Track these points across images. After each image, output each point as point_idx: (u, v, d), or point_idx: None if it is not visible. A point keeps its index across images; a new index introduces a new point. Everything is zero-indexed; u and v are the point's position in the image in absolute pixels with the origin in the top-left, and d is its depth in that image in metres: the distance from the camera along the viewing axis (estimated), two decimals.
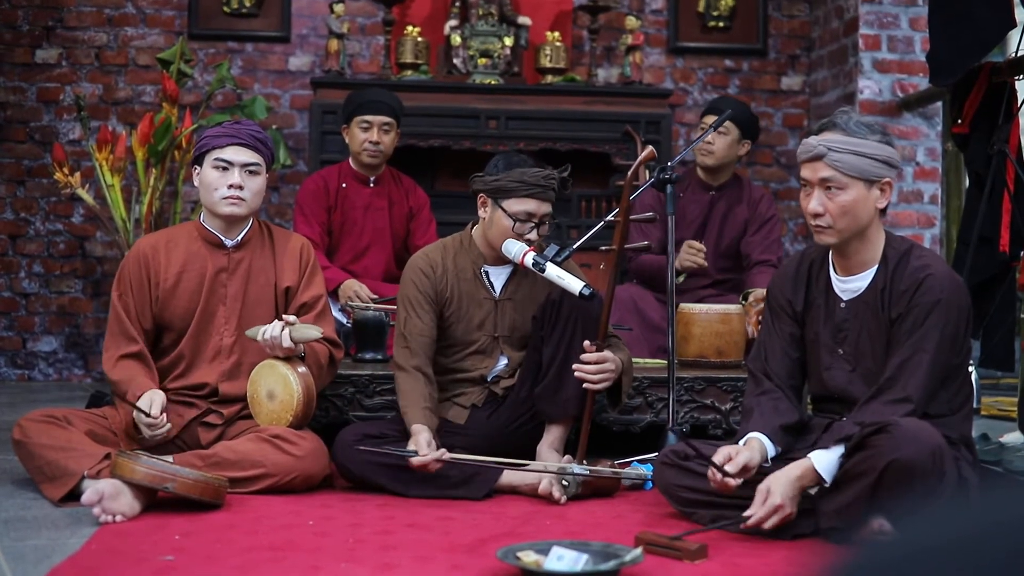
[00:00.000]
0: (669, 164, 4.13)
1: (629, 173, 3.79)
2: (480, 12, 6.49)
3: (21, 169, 6.82)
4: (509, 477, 3.66)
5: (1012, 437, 4.42)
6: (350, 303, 4.86)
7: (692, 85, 7.21)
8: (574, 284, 3.64)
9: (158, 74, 6.47)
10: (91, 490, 3.20)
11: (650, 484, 3.72)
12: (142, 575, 2.69)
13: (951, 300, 3.10)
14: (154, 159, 5.94)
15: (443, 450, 3.53)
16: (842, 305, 3.27)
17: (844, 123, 3.16)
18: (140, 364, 3.79)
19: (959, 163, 5.88)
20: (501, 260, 3.90)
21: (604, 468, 3.64)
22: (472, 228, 4.01)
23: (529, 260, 3.71)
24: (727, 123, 5.16)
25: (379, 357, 4.45)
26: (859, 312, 3.24)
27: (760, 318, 4.43)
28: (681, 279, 5.10)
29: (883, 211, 3.22)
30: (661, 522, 3.29)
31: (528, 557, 2.70)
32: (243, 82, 6.85)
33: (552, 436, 3.83)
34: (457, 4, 6.57)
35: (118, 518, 3.18)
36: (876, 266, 3.22)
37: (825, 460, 3.03)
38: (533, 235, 3.80)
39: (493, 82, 6.36)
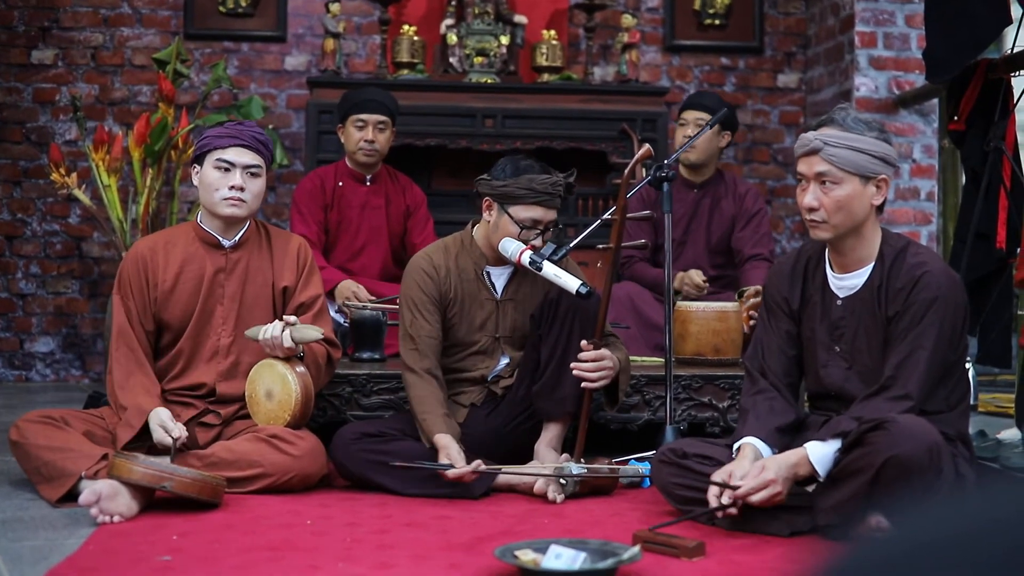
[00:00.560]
0: (665, 162, 4.13)
1: (626, 171, 3.79)
2: (476, 11, 6.49)
3: (17, 170, 6.82)
4: (507, 476, 3.66)
5: (1009, 434, 4.43)
6: (347, 303, 4.86)
7: (688, 83, 7.21)
8: (571, 282, 3.64)
9: (154, 74, 6.47)
10: (89, 490, 3.20)
11: (648, 482, 3.72)
12: (140, 575, 2.69)
13: (948, 297, 3.10)
14: (150, 159, 5.94)
15: (478, 461, 3.52)
16: (838, 302, 3.28)
17: (842, 119, 3.16)
18: (141, 375, 3.76)
19: (955, 160, 5.89)
20: (503, 260, 3.89)
21: (602, 466, 3.64)
22: (473, 228, 4.00)
23: (526, 259, 3.71)
24: (706, 114, 5.15)
25: (376, 357, 4.45)
26: (855, 309, 3.24)
27: (751, 314, 4.44)
28: (679, 298, 5.09)
29: (880, 209, 3.22)
30: (659, 520, 3.29)
31: (526, 556, 2.70)
32: (239, 82, 6.85)
33: (550, 434, 3.83)
34: (453, 3, 6.56)
35: (116, 518, 3.18)
36: (872, 263, 3.22)
37: (820, 452, 3.03)
38: (538, 241, 3.80)
39: (489, 81, 6.36)
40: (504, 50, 6.46)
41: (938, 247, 6.32)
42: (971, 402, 3.53)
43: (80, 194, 5.91)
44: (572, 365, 3.68)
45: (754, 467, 3.05)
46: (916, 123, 6.49)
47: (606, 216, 4.00)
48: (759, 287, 4.35)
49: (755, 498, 3.01)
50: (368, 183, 5.36)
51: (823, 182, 3.15)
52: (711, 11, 7.18)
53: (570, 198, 6.33)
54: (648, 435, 4.25)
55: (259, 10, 6.92)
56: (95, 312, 6.79)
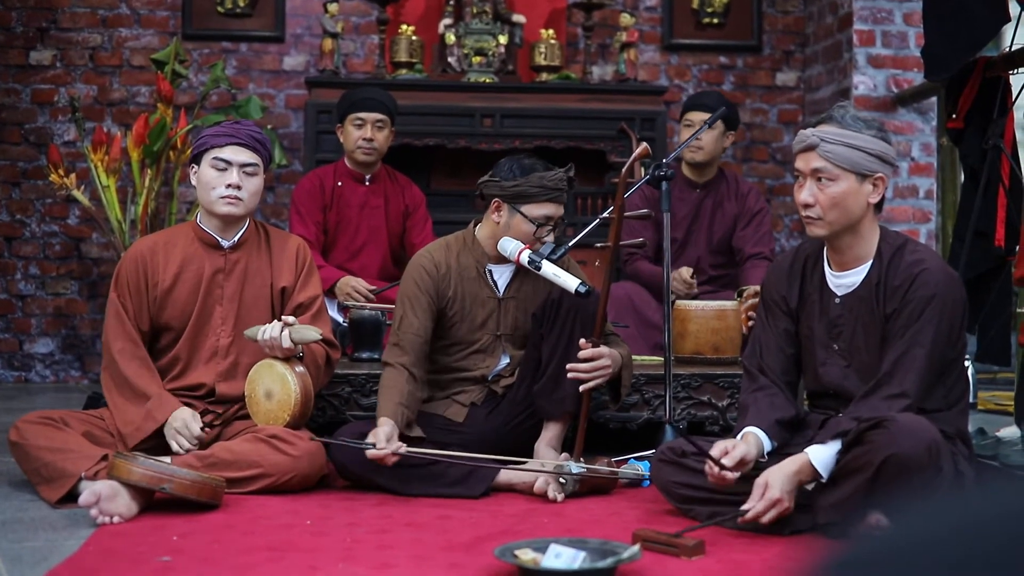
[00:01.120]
0: (664, 161, 4.13)
1: (624, 170, 3.79)
2: (474, 10, 6.49)
3: (16, 171, 6.82)
4: (506, 475, 3.67)
5: (1009, 431, 4.43)
6: (348, 301, 4.86)
7: (687, 82, 7.21)
8: (570, 282, 3.64)
9: (152, 75, 6.47)
10: (88, 491, 3.20)
11: (647, 481, 3.72)
12: None
13: (946, 295, 3.10)
14: (149, 160, 5.94)
15: (402, 444, 3.52)
16: (836, 300, 3.28)
17: (840, 116, 3.17)
18: (147, 368, 3.78)
19: (954, 158, 5.89)
20: (505, 259, 3.89)
21: (601, 466, 3.65)
22: (475, 227, 4.00)
23: (525, 258, 3.71)
24: (698, 110, 5.15)
25: (376, 356, 4.45)
26: (854, 307, 3.24)
27: (750, 314, 4.44)
28: (674, 297, 5.09)
29: (879, 207, 3.22)
30: (659, 519, 3.29)
31: (526, 555, 2.70)
32: (238, 82, 6.85)
33: (550, 434, 3.83)
34: (451, 2, 6.57)
35: (115, 519, 3.18)
36: (870, 261, 3.22)
37: (822, 455, 3.03)
38: (550, 237, 3.81)
39: (488, 80, 6.36)
40: (502, 49, 6.46)
41: (937, 245, 6.32)
42: (970, 400, 3.53)
43: (79, 195, 5.91)
44: (568, 367, 3.68)
45: (756, 487, 3.04)
46: (914, 121, 6.49)
47: (605, 215, 4.00)
48: (758, 287, 4.35)
49: (765, 519, 3.01)
50: (367, 183, 5.36)
51: (819, 178, 3.15)
52: (709, 10, 7.18)
53: (568, 196, 6.34)
54: (648, 434, 4.25)
55: (257, 10, 6.92)
56: (94, 313, 6.79)
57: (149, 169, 5.95)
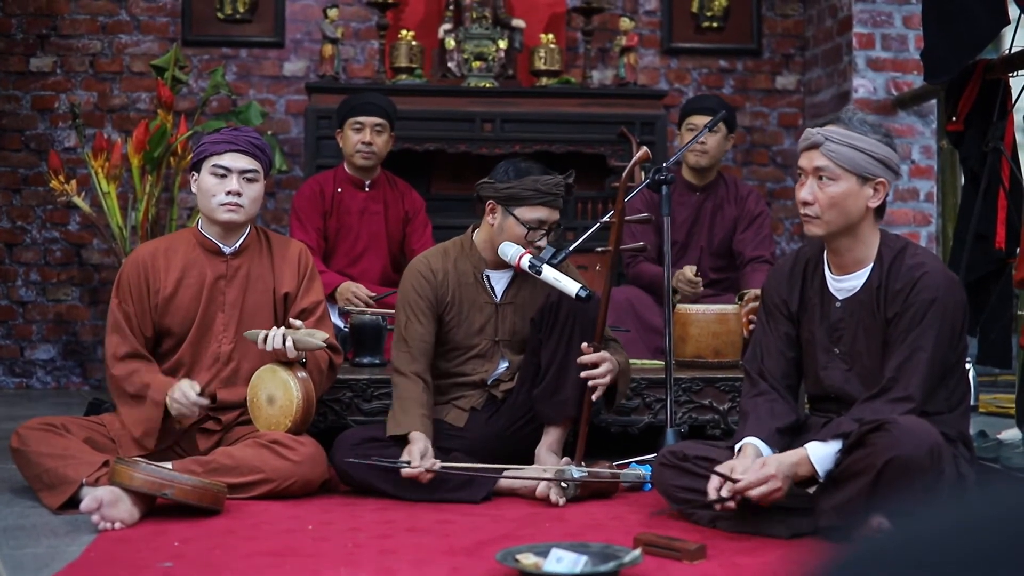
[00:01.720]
0: (664, 165, 4.13)
1: (624, 174, 3.79)
2: (474, 15, 6.49)
3: (17, 177, 6.82)
4: (508, 480, 3.67)
5: (1010, 434, 4.43)
6: (348, 305, 4.86)
7: (687, 86, 7.21)
8: (570, 286, 3.64)
9: (153, 81, 6.46)
10: (90, 497, 3.20)
11: (649, 485, 3.72)
12: None
13: (947, 298, 3.11)
14: (150, 166, 5.94)
15: (436, 460, 3.52)
16: (837, 304, 3.28)
17: (847, 118, 3.18)
18: (147, 364, 3.78)
19: (954, 161, 5.89)
20: (503, 264, 3.89)
21: (603, 470, 3.65)
22: (473, 232, 4.00)
23: (525, 262, 3.71)
24: (703, 113, 5.15)
25: (377, 361, 4.46)
26: (854, 311, 3.24)
27: (751, 318, 4.44)
28: (677, 298, 5.08)
29: (880, 213, 3.22)
30: (660, 523, 3.29)
31: (527, 559, 2.70)
32: (238, 88, 6.85)
33: (551, 438, 3.83)
34: (451, 7, 6.57)
35: (117, 525, 3.18)
36: (871, 265, 3.22)
37: (821, 452, 3.03)
38: (543, 242, 3.81)
39: (488, 85, 6.37)
40: (502, 54, 6.47)
41: (937, 248, 6.32)
42: (972, 403, 3.53)
43: (79, 201, 5.91)
44: (584, 374, 3.67)
45: (755, 463, 3.06)
46: (915, 124, 6.49)
47: (605, 219, 4.00)
48: (758, 291, 4.35)
49: (755, 492, 3.00)
50: (367, 189, 5.36)
51: (820, 177, 3.16)
52: (709, 13, 7.18)
53: (569, 201, 6.34)
54: (649, 438, 4.25)
55: (257, 16, 6.92)
56: (95, 319, 6.79)
57: (149, 175, 5.95)
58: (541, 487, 3.58)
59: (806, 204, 3.18)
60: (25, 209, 6.83)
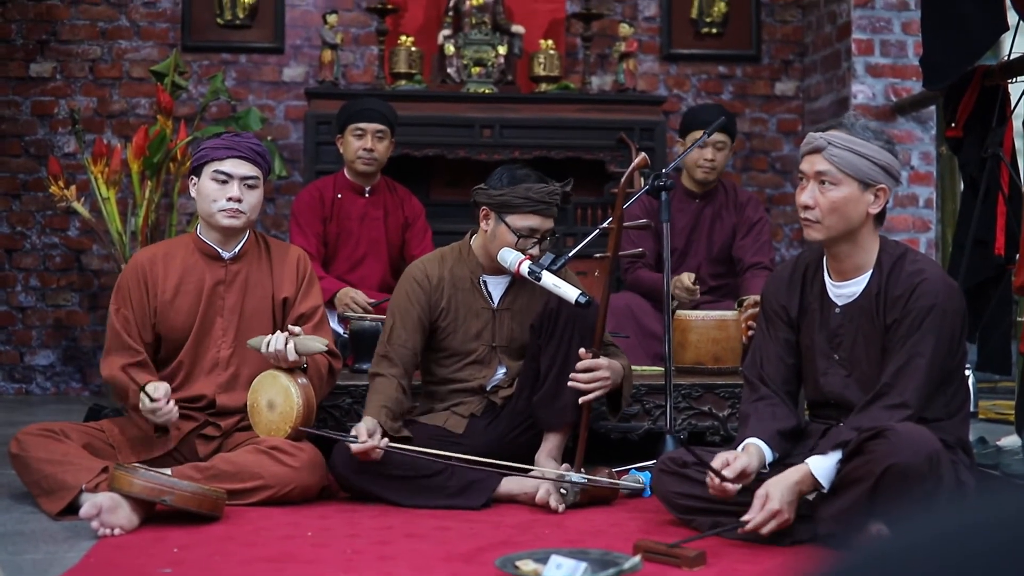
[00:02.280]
0: (663, 171, 4.13)
1: (622, 180, 3.79)
2: (473, 21, 6.50)
3: (16, 183, 6.83)
4: (507, 486, 3.66)
5: (1009, 440, 4.43)
6: (347, 312, 4.86)
7: (686, 92, 7.22)
8: (570, 292, 3.64)
9: (152, 87, 6.47)
10: (89, 503, 3.20)
11: (648, 492, 3.71)
12: None
13: (946, 305, 3.10)
14: (149, 171, 5.94)
15: (385, 439, 3.54)
16: (837, 310, 3.28)
17: (850, 124, 3.19)
18: (141, 369, 3.78)
19: (953, 167, 5.89)
20: (500, 270, 3.90)
21: (602, 476, 3.64)
22: (471, 238, 4.01)
23: (525, 269, 3.71)
24: (723, 134, 5.13)
25: None
26: (854, 317, 3.24)
27: (750, 323, 4.44)
28: (675, 305, 5.08)
29: (880, 219, 3.22)
30: (660, 529, 3.29)
31: (527, 566, 2.70)
32: (237, 93, 6.85)
33: (550, 444, 3.83)
34: (450, 13, 6.58)
35: (116, 531, 3.17)
36: (870, 271, 3.22)
37: (823, 466, 3.03)
38: (535, 250, 3.81)
39: (487, 91, 6.37)
40: (502, 60, 6.47)
41: (937, 254, 6.32)
42: (971, 409, 3.53)
43: (79, 207, 5.91)
44: (571, 377, 3.68)
45: (756, 499, 3.04)
46: (914, 130, 6.50)
47: (604, 225, 4.00)
48: (758, 297, 4.35)
49: (764, 530, 3.00)
50: (367, 195, 5.36)
51: (822, 181, 3.16)
52: (708, 20, 7.19)
53: (567, 209, 6.34)
54: (648, 444, 4.25)
55: (257, 22, 6.93)
56: (95, 325, 6.79)
57: (149, 181, 5.96)
58: (541, 493, 3.58)
59: (807, 208, 3.18)
60: (25, 214, 6.83)
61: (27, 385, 6.82)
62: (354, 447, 3.49)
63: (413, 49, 6.42)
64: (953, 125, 4.72)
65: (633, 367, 4.16)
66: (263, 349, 3.67)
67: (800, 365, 3.40)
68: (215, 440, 3.81)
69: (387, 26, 6.54)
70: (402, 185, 5.55)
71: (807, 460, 3.06)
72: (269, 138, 6.55)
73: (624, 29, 6.64)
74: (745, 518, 3.03)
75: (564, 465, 3.74)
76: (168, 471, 3.48)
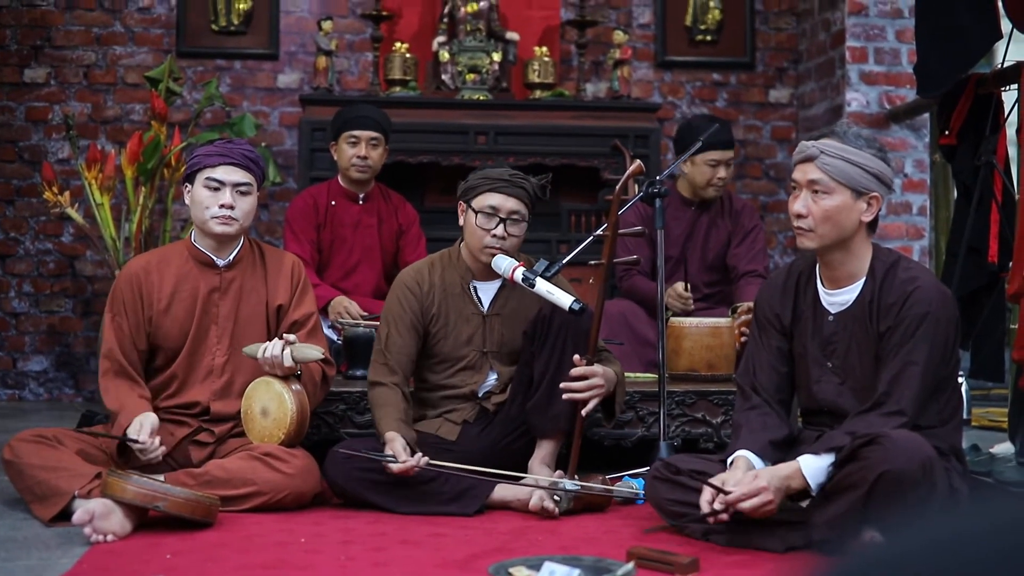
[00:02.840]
0: (657, 178, 4.14)
1: (617, 187, 3.79)
2: (468, 28, 6.50)
3: (10, 189, 6.82)
4: (501, 492, 3.66)
5: (1002, 447, 4.44)
6: (340, 320, 4.86)
7: (680, 99, 7.22)
8: (564, 299, 3.64)
9: (146, 92, 6.47)
10: (82, 510, 3.19)
11: (642, 499, 3.71)
12: None
13: (939, 312, 3.11)
14: (143, 177, 5.94)
15: (422, 456, 3.53)
16: (830, 318, 3.28)
17: (842, 132, 3.19)
18: (131, 384, 3.77)
19: (947, 174, 5.91)
20: (489, 275, 3.90)
21: (596, 483, 3.64)
22: (460, 244, 4.02)
23: (519, 275, 3.71)
24: (730, 149, 5.15)
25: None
26: (847, 325, 3.24)
27: (743, 330, 4.44)
28: (669, 314, 5.08)
29: (873, 227, 3.23)
30: (653, 536, 3.29)
31: (520, 572, 2.70)
32: (232, 100, 6.85)
33: (543, 451, 3.83)
34: (445, 20, 6.58)
35: (109, 537, 3.17)
36: (863, 279, 3.22)
37: (813, 465, 3.03)
38: (499, 230, 3.81)
39: (482, 98, 6.37)
40: (496, 67, 6.47)
41: (930, 261, 6.33)
42: (964, 416, 3.53)
43: (73, 213, 5.90)
44: (562, 386, 3.67)
45: (747, 475, 3.06)
46: (907, 138, 6.50)
47: (598, 232, 4.00)
48: (751, 304, 4.35)
49: (746, 504, 3.00)
50: (361, 202, 5.36)
51: (815, 190, 3.16)
52: (702, 27, 7.20)
53: (561, 214, 6.35)
54: (642, 451, 4.25)
55: (251, 28, 6.93)
56: (88, 331, 6.78)
57: (143, 187, 5.95)
58: (534, 500, 3.58)
59: (800, 217, 3.19)
60: (18, 220, 6.83)
61: (20, 391, 6.82)
62: (394, 467, 3.49)
63: (408, 56, 6.43)
64: (947, 133, 4.73)
65: (627, 374, 4.16)
66: (259, 355, 3.67)
67: (793, 373, 3.41)
68: (209, 446, 3.81)
69: (382, 33, 6.55)
70: (396, 192, 5.55)
71: (799, 458, 3.07)
72: (263, 144, 6.55)
73: (618, 36, 6.65)
74: (729, 488, 3.04)
75: (558, 472, 3.74)
76: (161, 477, 3.48)
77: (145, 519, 3.32)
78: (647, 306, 5.10)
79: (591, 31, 6.86)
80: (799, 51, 7.25)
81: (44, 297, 6.83)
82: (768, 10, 7.29)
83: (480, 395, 3.95)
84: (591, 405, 3.70)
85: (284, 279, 3.94)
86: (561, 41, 6.99)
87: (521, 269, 3.72)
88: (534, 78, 6.49)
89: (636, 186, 5.85)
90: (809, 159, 3.17)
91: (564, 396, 3.67)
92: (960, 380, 3.48)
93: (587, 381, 3.68)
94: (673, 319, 4.57)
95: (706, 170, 5.12)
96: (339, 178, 5.39)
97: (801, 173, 3.20)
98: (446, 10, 6.59)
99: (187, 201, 3.90)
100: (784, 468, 3.06)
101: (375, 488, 3.61)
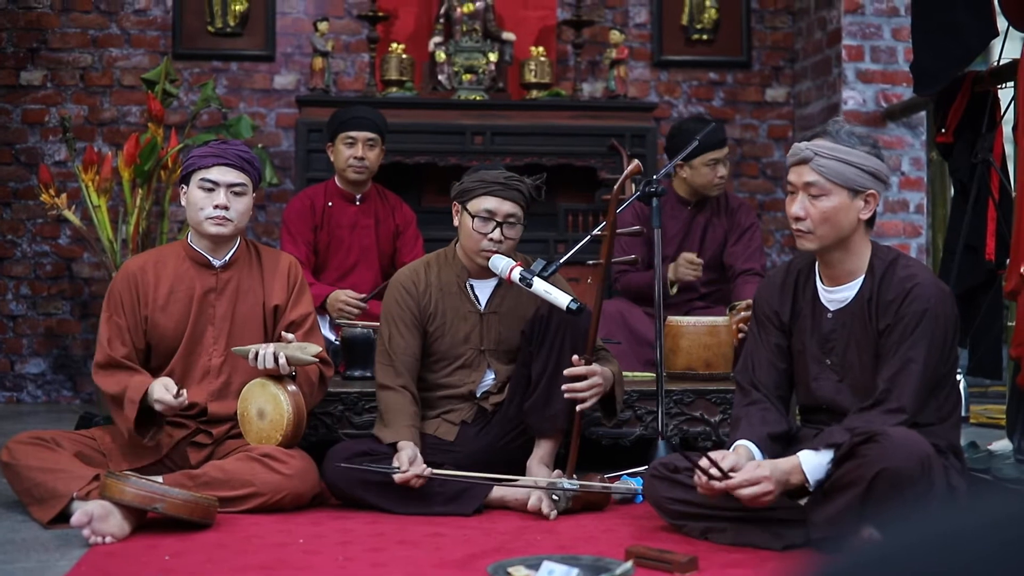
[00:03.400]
0: (655, 177, 4.14)
1: (615, 187, 3.79)
2: (464, 28, 6.50)
3: (7, 191, 6.82)
4: (499, 492, 3.66)
5: (1001, 445, 4.44)
6: (340, 315, 4.86)
7: (677, 98, 7.23)
8: (561, 298, 3.64)
9: (143, 94, 6.47)
10: (80, 512, 3.19)
11: (640, 497, 3.71)
12: None
13: (939, 309, 3.11)
14: (140, 179, 5.94)
15: (426, 467, 3.53)
16: (829, 315, 3.28)
17: (835, 132, 3.18)
18: (130, 372, 3.76)
19: (944, 172, 5.90)
20: (485, 273, 3.90)
21: (594, 482, 3.64)
22: (456, 244, 4.02)
23: (516, 275, 3.71)
24: (726, 147, 5.15)
25: (368, 375, 4.45)
26: (846, 322, 3.24)
27: (741, 327, 4.44)
28: (674, 291, 5.09)
29: (870, 223, 3.23)
30: (652, 535, 3.29)
31: (519, 572, 2.70)
32: (228, 101, 6.85)
33: (542, 451, 3.83)
34: (441, 21, 6.58)
35: (108, 539, 3.17)
36: (862, 276, 3.22)
37: (813, 461, 3.03)
38: (496, 234, 3.81)
39: (478, 98, 6.37)
40: (492, 67, 6.47)
41: (927, 259, 6.33)
42: (962, 414, 3.53)
43: (70, 215, 5.90)
44: (564, 388, 3.67)
45: (750, 463, 3.06)
46: (904, 136, 6.51)
47: (596, 232, 4.00)
48: (750, 301, 4.35)
49: (746, 491, 3.00)
50: (358, 203, 5.36)
51: (811, 192, 3.16)
52: (699, 26, 7.20)
53: (559, 214, 6.34)
54: (640, 450, 4.25)
55: (247, 30, 6.93)
56: (86, 333, 6.78)
57: (140, 189, 5.95)
58: (532, 500, 3.58)
59: (798, 219, 3.19)
60: (15, 223, 6.82)
61: (18, 393, 6.81)
62: (398, 477, 3.50)
63: (404, 56, 6.43)
64: (943, 131, 4.73)
65: (625, 373, 4.16)
66: (251, 362, 3.67)
67: (792, 370, 3.41)
68: (207, 448, 3.81)
69: (378, 33, 6.55)
70: (393, 193, 5.55)
71: (798, 453, 3.07)
72: (260, 146, 6.55)
73: (615, 36, 6.65)
74: (728, 465, 3.04)
75: (556, 471, 3.74)
76: (159, 479, 3.48)
77: (144, 520, 3.32)
78: (643, 298, 5.08)
79: (587, 31, 6.87)
80: (795, 50, 7.25)
81: (41, 299, 6.83)
82: (764, 9, 7.29)
83: (478, 395, 3.95)
84: (589, 404, 3.70)
85: (280, 279, 3.94)
86: (557, 41, 6.99)
87: (518, 269, 3.72)
88: (530, 78, 6.49)
89: (633, 186, 5.84)
90: (804, 161, 3.17)
91: (566, 396, 3.67)
92: (958, 377, 3.48)
93: (588, 381, 3.68)
94: (671, 318, 4.57)
95: (706, 171, 5.13)
96: (336, 179, 5.39)
97: (797, 175, 3.20)
98: (442, 11, 6.59)
99: (183, 202, 3.90)
100: (784, 463, 3.07)
101: (373, 489, 3.61)
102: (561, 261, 3.88)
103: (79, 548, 3.15)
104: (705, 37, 7.21)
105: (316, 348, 3.72)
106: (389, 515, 3.57)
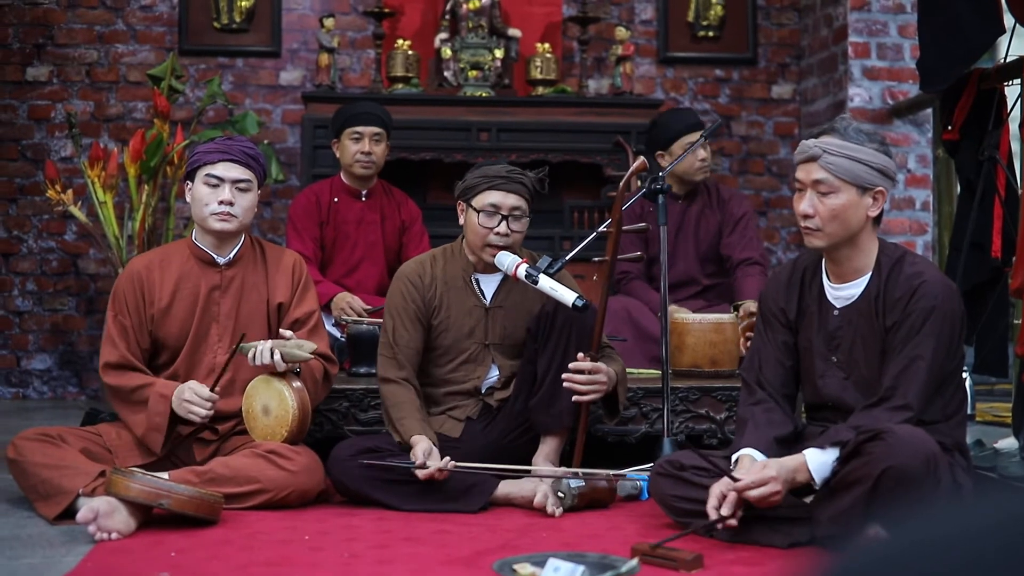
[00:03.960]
0: (660, 174, 4.13)
1: (621, 184, 3.79)
2: (470, 25, 6.50)
3: (13, 187, 6.82)
4: (505, 489, 3.66)
5: (1007, 443, 4.43)
6: (343, 317, 4.86)
7: (683, 95, 7.22)
8: (567, 295, 3.64)
9: (149, 90, 6.47)
10: (86, 508, 3.20)
11: (646, 495, 3.71)
12: None
13: (946, 307, 3.10)
14: (146, 175, 5.94)
15: (448, 459, 3.53)
16: (835, 313, 3.28)
17: (843, 129, 3.17)
18: (139, 373, 3.78)
19: (950, 169, 5.90)
20: (490, 268, 3.90)
21: (600, 480, 3.64)
22: (462, 240, 4.02)
23: (522, 272, 3.71)
24: (695, 129, 5.15)
25: (374, 371, 4.44)
26: (853, 320, 3.24)
27: (748, 335, 4.43)
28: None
29: (878, 220, 3.22)
30: (657, 532, 3.28)
31: (524, 569, 2.70)
32: (234, 97, 6.85)
33: (547, 448, 3.83)
34: (447, 17, 6.58)
35: (113, 536, 3.17)
36: (869, 273, 3.22)
37: (818, 460, 3.03)
38: (502, 228, 3.81)
39: (484, 94, 6.37)
40: (498, 63, 6.47)
41: (934, 256, 6.33)
42: (968, 411, 3.53)
43: (76, 211, 5.91)
44: (564, 377, 3.68)
45: (756, 464, 3.06)
46: (910, 133, 6.50)
47: (602, 228, 4.00)
48: (754, 308, 4.33)
49: (754, 493, 3.00)
50: (363, 198, 5.36)
51: (820, 190, 3.15)
52: (705, 23, 7.19)
53: (564, 211, 6.34)
54: (646, 448, 4.25)
55: (254, 25, 6.93)
56: (92, 329, 6.79)
57: (146, 185, 5.95)
58: (538, 497, 3.58)
59: (807, 217, 3.18)
60: (21, 219, 6.83)
61: (24, 389, 6.82)
62: (420, 473, 3.49)
63: (410, 53, 6.42)
64: (949, 128, 4.72)
65: (630, 370, 4.16)
66: (249, 358, 3.67)
67: (798, 367, 3.40)
68: (212, 444, 3.81)
69: (384, 30, 6.54)
70: (399, 189, 5.55)
71: (804, 451, 3.07)
72: (266, 142, 6.55)
73: (621, 32, 6.64)
74: (737, 475, 3.04)
75: (561, 469, 3.74)
76: (165, 475, 3.48)
77: (149, 517, 3.32)
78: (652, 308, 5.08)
79: (593, 27, 6.86)
80: (801, 47, 7.25)
81: (47, 295, 6.84)
82: (770, 5, 7.28)
83: (483, 391, 3.95)
84: (589, 398, 3.70)
85: (285, 277, 3.94)
86: (563, 37, 6.98)
87: (524, 266, 3.72)
88: (536, 75, 6.49)
89: (638, 182, 5.84)
90: (812, 159, 3.16)
91: (564, 385, 3.67)
92: (964, 375, 3.47)
93: (589, 376, 3.68)
94: (676, 315, 4.56)
95: (687, 156, 5.04)
96: (342, 175, 5.39)
97: (805, 173, 3.19)
98: (448, 7, 6.59)
99: (188, 199, 3.90)
100: (790, 461, 3.06)
101: (379, 485, 3.61)
102: (567, 258, 3.87)
103: (85, 544, 3.15)
104: (711, 34, 7.20)
105: (312, 345, 3.72)
106: (395, 512, 3.57)
